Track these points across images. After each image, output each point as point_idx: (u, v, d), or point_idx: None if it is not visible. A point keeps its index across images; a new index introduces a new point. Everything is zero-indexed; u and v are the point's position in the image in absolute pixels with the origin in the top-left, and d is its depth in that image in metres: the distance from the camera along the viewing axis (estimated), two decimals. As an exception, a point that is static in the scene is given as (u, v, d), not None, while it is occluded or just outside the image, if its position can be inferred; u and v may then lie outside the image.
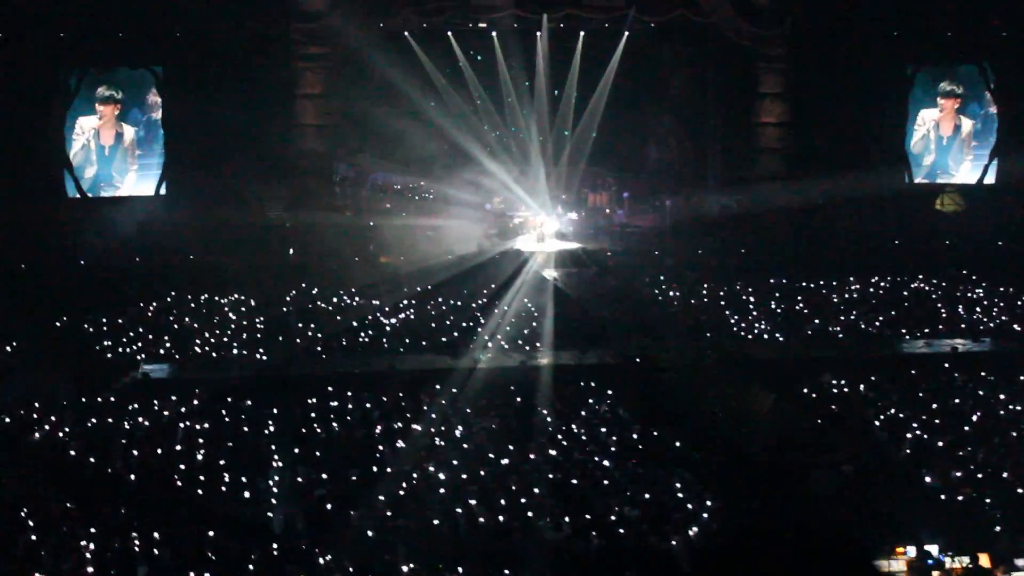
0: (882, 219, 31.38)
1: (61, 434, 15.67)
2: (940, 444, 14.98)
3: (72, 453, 14.91)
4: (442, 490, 13.38)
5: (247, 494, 13.37)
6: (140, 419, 16.46)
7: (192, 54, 29.84)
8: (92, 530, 12.17)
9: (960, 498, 13.19)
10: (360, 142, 32.85)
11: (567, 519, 12.51)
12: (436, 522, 12.36)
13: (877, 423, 16.09)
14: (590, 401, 17.46)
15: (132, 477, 14.02)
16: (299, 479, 14.05)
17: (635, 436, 15.64)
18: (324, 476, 13.91)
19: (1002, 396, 17.33)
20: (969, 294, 25.50)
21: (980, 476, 13.68)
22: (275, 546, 12.01)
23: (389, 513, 12.65)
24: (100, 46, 29.54)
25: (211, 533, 12.08)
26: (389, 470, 14.09)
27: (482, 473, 14.07)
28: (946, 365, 19.31)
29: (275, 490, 13.68)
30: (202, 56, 29.68)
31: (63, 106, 29.65)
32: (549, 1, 30.80)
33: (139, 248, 28.47)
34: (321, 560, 11.57)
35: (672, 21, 31.38)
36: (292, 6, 29.53)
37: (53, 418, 16.31)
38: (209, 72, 29.67)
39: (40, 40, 28.47)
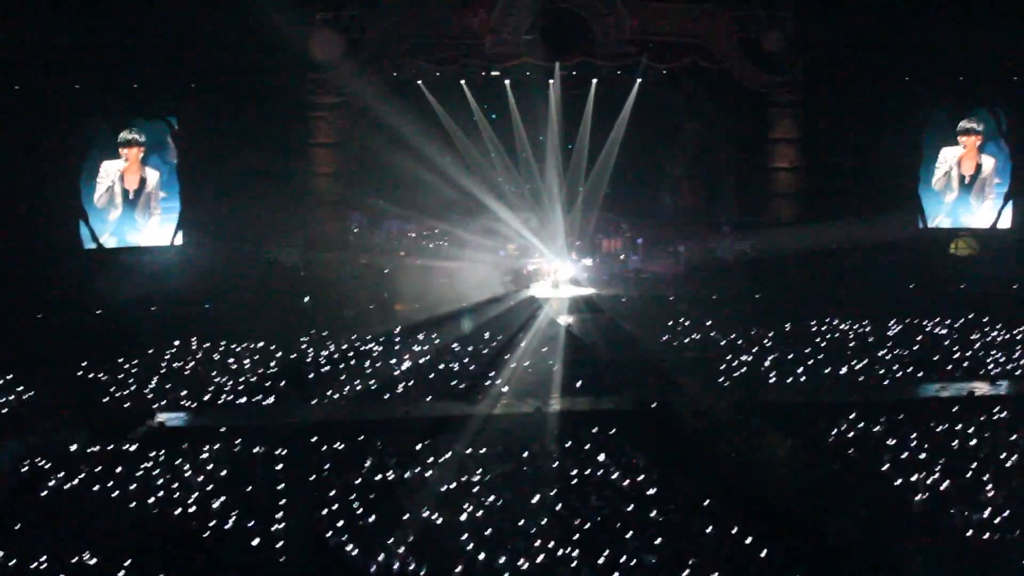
0: (897, 262, 31.31)
1: (76, 483, 15.65)
2: (958, 487, 14.88)
3: (87, 503, 14.90)
4: (459, 536, 13.31)
5: (262, 542, 13.32)
6: (156, 468, 16.46)
7: (206, 105, 30.16)
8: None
9: (980, 541, 13.07)
10: (375, 189, 33.02)
11: (584, 565, 12.42)
12: (455, 568, 12.28)
13: (894, 467, 15.97)
14: (606, 447, 17.38)
15: (148, 526, 13.99)
16: (315, 527, 13.99)
17: (651, 481, 15.56)
18: (340, 523, 13.85)
19: (1021, 439, 17.21)
20: (986, 337, 25.42)
21: (999, 520, 13.56)
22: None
23: (406, 560, 12.58)
24: (114, 98, 29.87)
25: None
26: (405, 517, 14.05)
27: (499, 518, 14.01)
28: (963, 408, 19.17)
29: (291, 538, 13.61)
30: (216, 107, 30.02)
31: (78, 157, 29.92)
32: (562, 49, 31.04)
33: (154, 297, 28.59)
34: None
35: (684, 67, 31.66)
36: (304, 56, 29.76)
37: (68, 468, 16.28)
38: (223, 122, 30.01)
39: (54, 93, 28.78)
